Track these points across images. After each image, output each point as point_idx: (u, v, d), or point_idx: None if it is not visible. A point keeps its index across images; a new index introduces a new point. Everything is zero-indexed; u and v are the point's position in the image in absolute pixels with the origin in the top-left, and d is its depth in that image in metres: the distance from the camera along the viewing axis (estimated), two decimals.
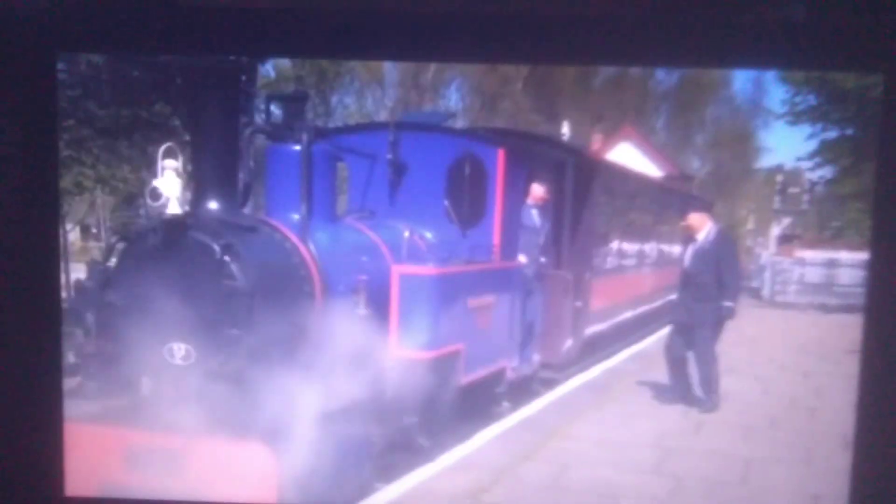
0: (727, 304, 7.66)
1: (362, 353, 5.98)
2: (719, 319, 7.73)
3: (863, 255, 16.83)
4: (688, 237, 8.09)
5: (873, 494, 3.72)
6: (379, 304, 6.05)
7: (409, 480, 5.73)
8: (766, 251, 20.86)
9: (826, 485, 5.44)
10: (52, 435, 3.94)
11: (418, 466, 6.02)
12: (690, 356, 7.87)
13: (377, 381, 6.01)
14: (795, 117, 17.14)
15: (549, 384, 8.63)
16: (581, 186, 9.31)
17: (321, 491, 5.06)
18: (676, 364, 7.93)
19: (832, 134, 17.18)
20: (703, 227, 7.88)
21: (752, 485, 5.81)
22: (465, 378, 6.73)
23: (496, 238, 7.36)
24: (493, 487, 5.58)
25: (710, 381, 7.79)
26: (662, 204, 14.88)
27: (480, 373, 7.00)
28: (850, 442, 3.76)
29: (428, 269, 6.27)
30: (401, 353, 6.15)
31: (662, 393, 8.03)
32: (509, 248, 7.66)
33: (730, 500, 5.45)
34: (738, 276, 8.24)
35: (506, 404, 7.71)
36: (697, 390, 7.87)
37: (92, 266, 5.56)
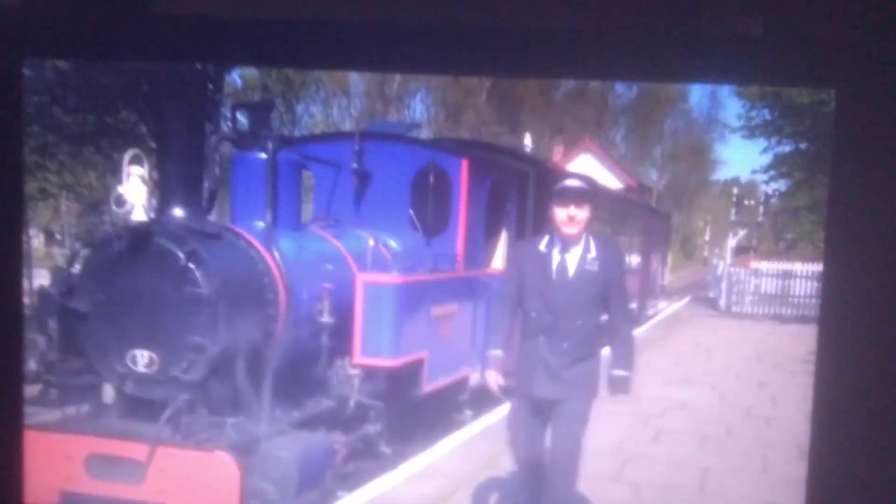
0: (619, 372, 4.53)
1: (326, 361, 6.02)
2: (594, 393, 4.53)
3: (817, 267, 17.23)
4: (557, 238, 4.41)
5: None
6: (343, 312, 6.08)
7: (372, 488, 5.73)
8: (723, 262, 21.16)
9: (782, 493, 5.54)
10: (12, 442, 3.88)
11: (381, 474, 6.04)
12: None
13: (340, 389, 6.04)
14: (751, 131, 17.45)
15: (511, 393, 8.65)
16: (542, 197, 9.39)
17: (284, 499, 5.06)
18: (533, 465, 4.59)
19: (787, 147, 17.53)
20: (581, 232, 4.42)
21: (709, 493, 5.90)
22: (427, 386, 6.77)
23: (460, 247, 7.41)
24: (454, 495, 5.62)
25: None
26: (621, 215, 15.06)
27: (443, 381, 7.04)
28: (805, 451, 3.84)
29: (392, 278, 6.29)
30: (364, 361, 6.18)
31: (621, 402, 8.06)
32: (473, 257, 7.71)
33: None
34: (633, 322, 5.17)
35: (468, 412, 7.74)
36: None
37: (56, 272, 5.54)
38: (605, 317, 4.54)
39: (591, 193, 4.44)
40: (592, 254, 4.42)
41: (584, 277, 4.40)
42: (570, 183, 4.40)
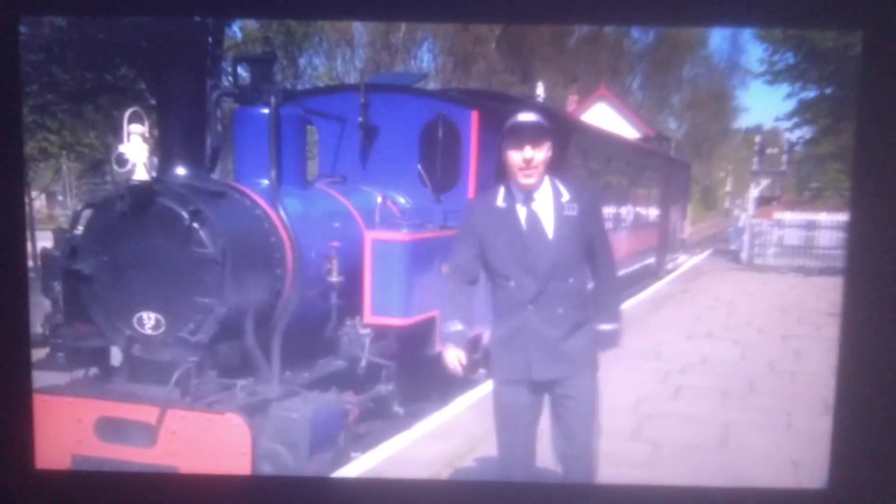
0: (606, 326, 3.90)
1: (336, 320, 5.96)
2: (597, 365, 3.86)
3: (842, 217, 17.03)
4: (515, 189, 3.74)
5: (854, 459, 3.68)
6: (352, 270, 6.02)
7: (386, 449, 5.71)
8: (745, 213, 20.98)
9: (806, 450, 5.43)
10: (21, 407, 3.84)
11: (394, 434, 6.01)
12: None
13: (351, 348, 5.99)
14: (774, 76, 17.20)
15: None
16: (556, 149, 9.25)
17: (296, 461, 5.03)
18: (528, 455, 3.93)
19: (811, 93, 17.29)
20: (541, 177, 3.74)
21: (731, 450, 5.81)
22: (440, 345, 6.69)
23: None
24: (468, 455, 5.57)
25: None
26: (639, 166, 14.90)
27: None
28: (830, 406, 3.73)
29: (401, 235, 6.21)
30: (375, 320, 6.12)
31: (640, 358, 7.98)
32: None
33: (708, 466, 5.44)
34: (615, 271, 4.09)
35: (481, 371, 7.67)
36: None
37: (58, 234, 5.49)
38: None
39: (548, 129, 3.73)
40: (566, 196, 3.74)
41: (566, 226, 3.71)
42: (523, 118, 3.69)
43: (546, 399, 3.84)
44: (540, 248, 3.68)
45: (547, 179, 3.74)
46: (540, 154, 3.65)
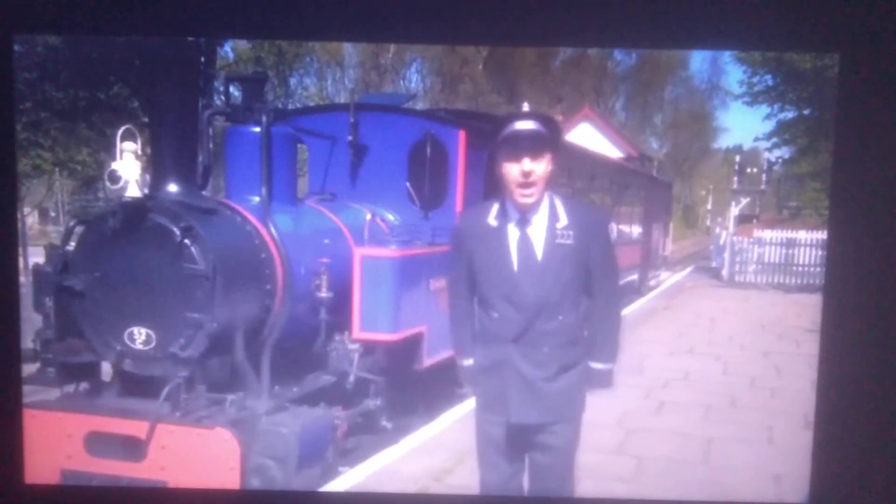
0: (599, 365, 3.47)
1: (325, 336, 5.99)
2: (583, 407, 3.52)
3: (821, 235, 17.18)
4: (511, 207, 3.34)
5: (834, 473, 3.76)
6: (341, 286, 6.04)
7: (373, 463, 5.73)
8: (726, 231, 21.11)
9: (787, 464, 5.49)
10: (11, 422, 3.87)
11: (382, 449, 6.03)
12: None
13: (340, 364, 6.02)
14: (753, 98, 17.29)
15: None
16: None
17: (285, 475, 5.05)
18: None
19: (789, 114, 17.37)
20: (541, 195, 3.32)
21: (713, 464, 5.87)
22: (427, 360, 6.73)
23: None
24: (456, 469, 5.59)
25: None
26: (622, 185, 15.00)
27: (443, 355, 6.98)
28: (810, 421, 3.80)
29: (390, 252, 6.25)
30: (363, 335, 6.15)
31: (623, 373, 8.02)
32: None
33: (691, 480, 5.49)
34: (620, 305, 3.76)
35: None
36: None
37: (50, 250, 5.50)
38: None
39: (549, 138, 3.26)
40: (563, 221, 3.29)
41: (557, 255, 3.27)
42: (521, 126, 3.22)
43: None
44: (528, 281, 3.28)
45: (546, 199, 3.32)
46: (540, 167, 3.23)
